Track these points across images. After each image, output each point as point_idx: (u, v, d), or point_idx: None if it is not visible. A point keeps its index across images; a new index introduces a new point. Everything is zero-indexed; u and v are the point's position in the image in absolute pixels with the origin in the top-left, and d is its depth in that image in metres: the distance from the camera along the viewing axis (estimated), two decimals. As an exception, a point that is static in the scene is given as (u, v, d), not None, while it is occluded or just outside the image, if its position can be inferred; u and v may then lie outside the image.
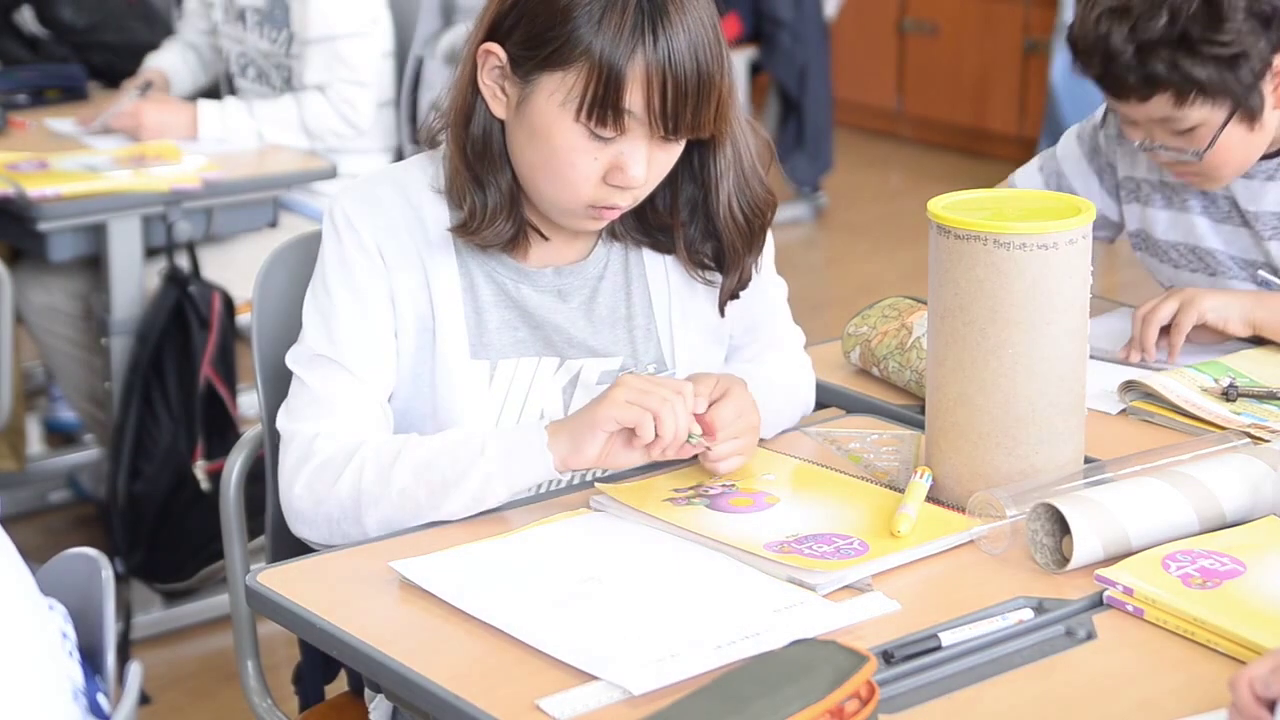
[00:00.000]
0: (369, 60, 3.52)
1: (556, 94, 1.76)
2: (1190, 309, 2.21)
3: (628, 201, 1.83)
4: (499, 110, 1.83)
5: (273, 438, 1.94)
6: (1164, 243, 2.36)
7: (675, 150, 1.82)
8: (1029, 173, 2.46)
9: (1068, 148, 2.43)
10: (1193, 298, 2.22)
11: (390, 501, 1.77)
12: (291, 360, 1.88)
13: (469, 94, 1.84)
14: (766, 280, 2.01)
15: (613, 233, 1.93)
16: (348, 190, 1.91)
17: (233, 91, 3.68)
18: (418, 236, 1.87)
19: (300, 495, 1.82)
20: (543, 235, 1.89)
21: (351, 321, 1.85)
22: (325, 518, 1.81)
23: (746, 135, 1.89)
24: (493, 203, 1.84)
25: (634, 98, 1.74)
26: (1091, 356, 1.86)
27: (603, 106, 1.74)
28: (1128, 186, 2.38)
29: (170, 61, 3.77)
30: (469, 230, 1.85)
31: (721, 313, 1.95)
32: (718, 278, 1.93)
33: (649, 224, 1.92)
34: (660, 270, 1.94)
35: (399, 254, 1.87)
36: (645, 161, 1.79)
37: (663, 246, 1.93)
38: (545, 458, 1.75)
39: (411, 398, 1.89)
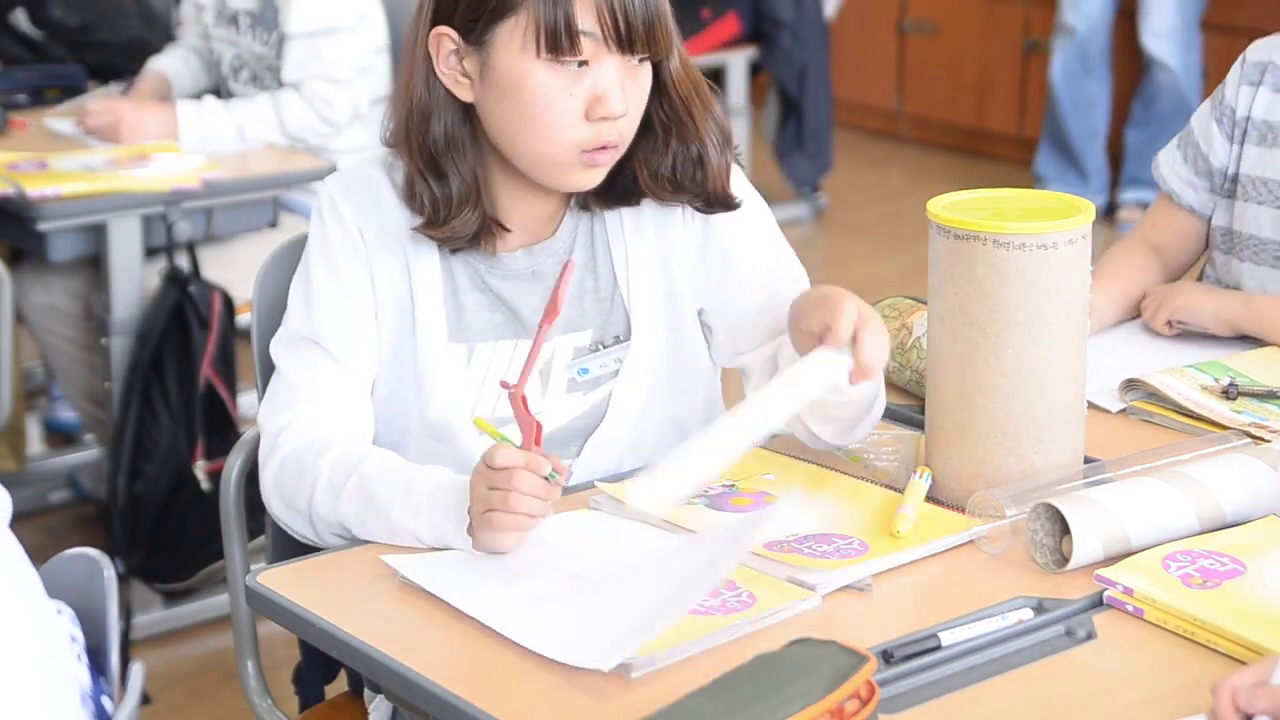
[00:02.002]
0: (349, 58, 3.52)
1: (513, 40, 1.79)
2: (1163, 308, 2.27)
3: (615, 136, 1.82)
4: (465, 94, 1.84)
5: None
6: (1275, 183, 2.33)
7: (645, 78, 1.84)
8: (1169, 147, 2.44)
9: (1201, 109, 2.42)
10: (1166, 297, 2.28)
11: (338, 526, 1.79)
12: (273, 345, 1.92)
13: (425, 91, 1.85)
14: (778, 266, 1.97)
15: (582, 203, 1.93)
16: (339, 175, 1.96)
17: (229, 95, 3.68)
18: (402, 219, 1.89)
19: (269, 491, 1.85)
20: (505, 228, 1.90)
21: (330, 301, 1.88)
22: (294, 517, 1.83)
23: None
24: (457, 194, 1.85)
25: (586, 18, 1.77)
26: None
27: (557, 34, 1.77)
28: (1244, 127, 2.35)
29: (172, 65, 3.77)
30: (434, 224, 1.86)
31: (725, 204, 1.92)
32: (684, 198, 1.92)
33: (602, 185, 1.90)
34: (620, 241, 1.94)
35: (381, 235, 1.89)
36: (620, 88, 1.80)
37: (627, 196, 1.92)
38: (471, 552, 1.71)
39: (396, 383, 1.91)
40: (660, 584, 1.58)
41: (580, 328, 1.93)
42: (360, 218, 1.90)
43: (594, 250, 1.95)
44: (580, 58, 1.78)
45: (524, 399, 1.72)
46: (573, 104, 1.80)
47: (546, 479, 1.65)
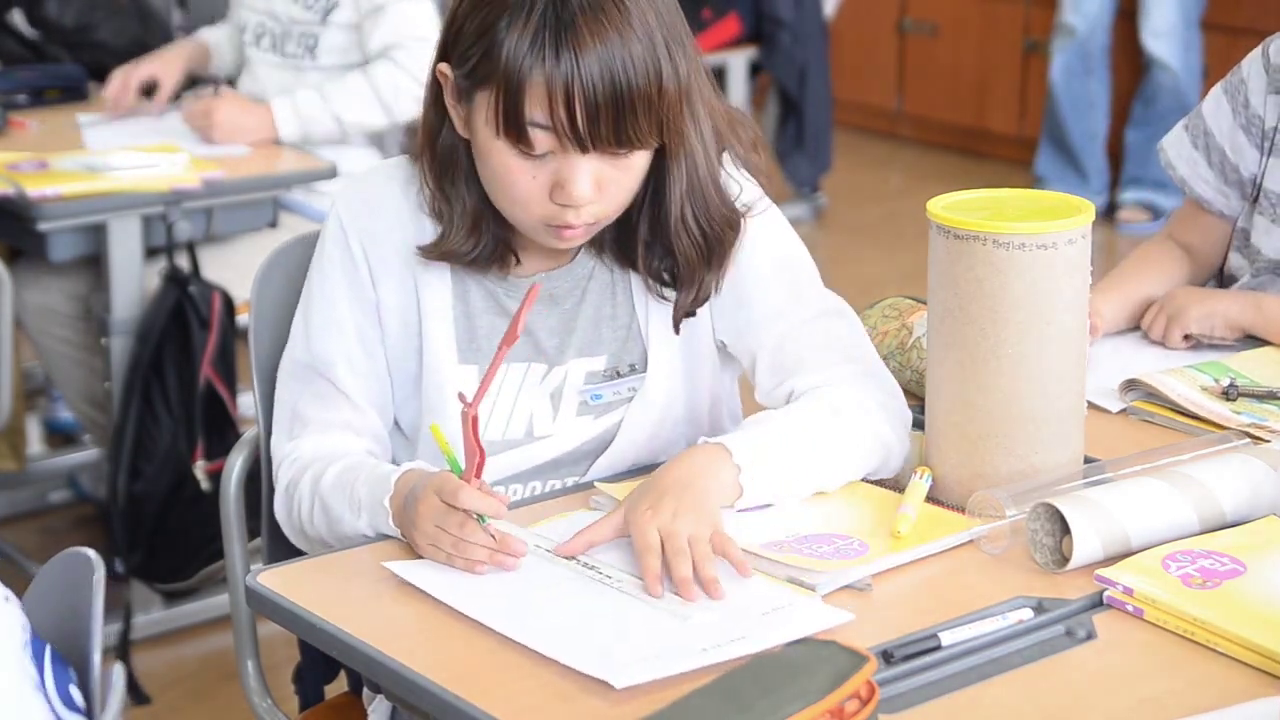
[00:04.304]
0: (429, 16, 3.51)
1: (484, 112, 1.74)
2: (1175, 325, 2.22)
3: (583, 219, 1.77)
4: (463, 130, 1.80)
5: (270, 441, 1.95)
6: None
7: (630, 165, 1.76)
8: (1176, 134, 2.38)
9: (1216, 104, 2.34)
10: (1178, 311, 2.23)
11: (333, 541, 1.81)
12: (279, 369, 1.91)
13: (433, 115, 1.83)
14: (787, 305, 1.90)
15: (592, 242, 1.88)
16: (352, 186, 1.92)
17: (248, 62, 3.67)
18: (412, 238, 1.87)
19: (282, 520, 1.88)
20: (516, 257, 1.87)
21: (326, 328, 1.87)
22: (306, 543, 1.87)
23: (709, 146, 1.82)
24: (459, 221, 1.83)
25: (535, 111, 1.70)
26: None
27: (508, 121, 1.72)
28: (1272, 138, 2.28)
29: (216, 38, 3.78)
30: (438, 250, 1.84)
31: (676, 330, 1.88)
32: (673, 295, 1.87)
33: (613, 238, 1.87)
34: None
35: (388, 258, 1.87)
36: (589, 179, 1.74)
37: (627, 261, 1.88)
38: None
39: (403, 404, 1.90)
40: (685, 624, 1.56)
41: (595, 352, 1.90)
42: (366, 239, 1.87)
43: (614, 277, 1.91)
44: (534, 152, 1.73)
45: (475, 421, 1.66)
46: (534, 185, 1.75)
47: (479, 519, 1.64)
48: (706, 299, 1.88)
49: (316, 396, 1.87)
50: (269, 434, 1.95)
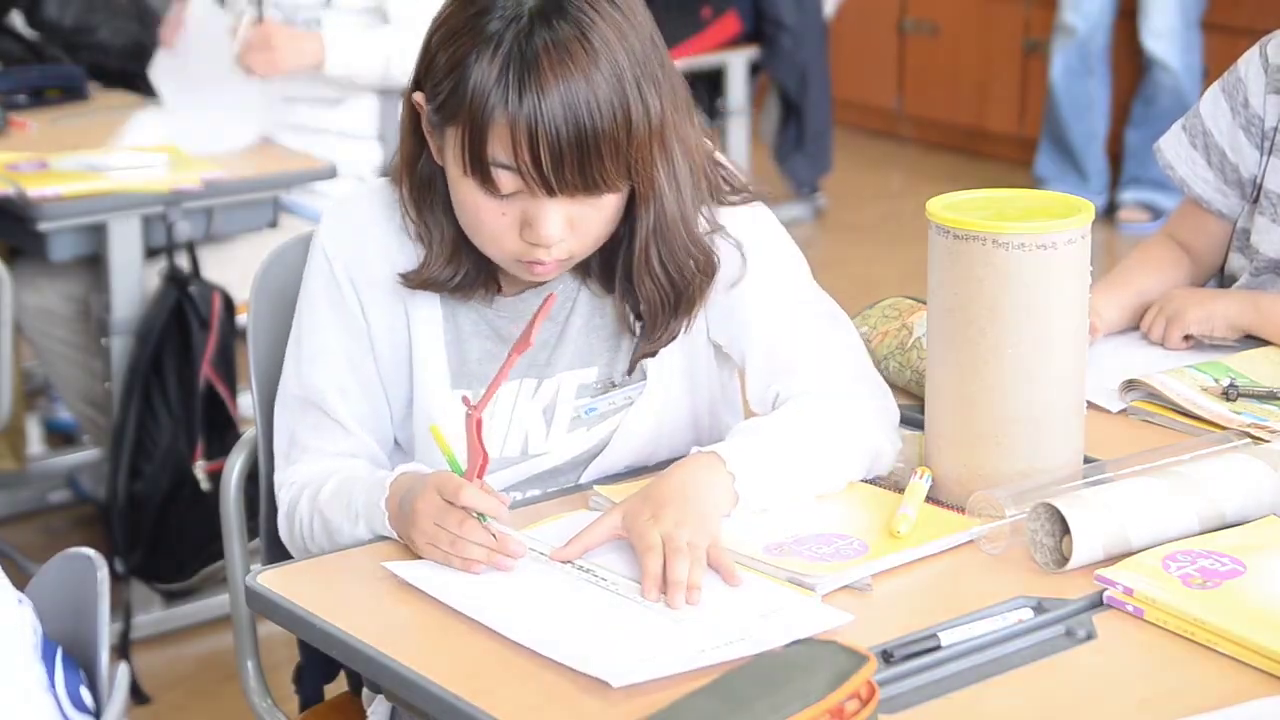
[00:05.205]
0: None
1: (453, 148, 1.73)
2: (1175, 326, 2.22)
3: (554, 256, 1.75)
4: (439, 159, 1.78)
5: (268, 441, 1.95)
6: None
7: (603, 205, 1.74)
8: (1174, 134, 2.37)
9: (1214, 104, 2.33)
10: (1177, 312, 2.22)
11: (325, 545, 1.81)
12: (276, 400, 1.90)
13: (411, 142, 1.81)
14: (789, 298, 1.89)
15: (578, 265, 1.86)
16: (334, 214, 1.90)
17: None
18: (399, 264, 1.85)
19: (286, 540, 1.88)
20: (498, 282, 1.85)
21: (317, 359, 1.86)
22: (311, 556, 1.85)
23: (683, 185, 1.79)
24: (437, 248, 1.81)
25: (497, 152, 1.68)
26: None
27: (474, 161, 1.70)
28: (1272, 138, 2.27)
29: None
30: (419, 278, 1.82)
31: (630, 371, 1.87)
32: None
33: (599, 264, 1.86)
34: None
35: (376, 284, 1.85)
36: (559, 220, 1.72)
37: (609, 291, 1.87)
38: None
39: (401, 423, 1.90)
40: (680, 625, 1.56)
41: (587, 364, 1.89)
42: (353, 267, 1.85)
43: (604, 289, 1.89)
44: (500, 193, 1.71)
45: (479, 424, 1.65)
46: (503, 223, 1.73)
47: (479, 517, 1.64)
48: (673, 340, 1.86)
49: (312, 426, 1.87)
50: (267, 434, 1.95)
